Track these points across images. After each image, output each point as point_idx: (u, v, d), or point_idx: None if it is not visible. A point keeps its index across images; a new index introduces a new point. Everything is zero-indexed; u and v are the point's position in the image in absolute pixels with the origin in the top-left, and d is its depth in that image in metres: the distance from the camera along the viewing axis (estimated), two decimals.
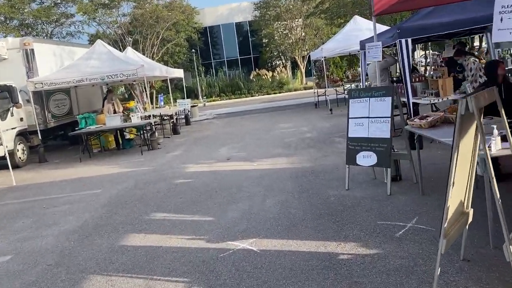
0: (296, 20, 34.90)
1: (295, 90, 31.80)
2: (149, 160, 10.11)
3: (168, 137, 13.72)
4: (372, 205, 5.04)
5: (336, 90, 16.74)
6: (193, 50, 34.21)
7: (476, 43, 17.64)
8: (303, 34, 34.86)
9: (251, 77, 34.91)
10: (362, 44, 10.24)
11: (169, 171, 8.51)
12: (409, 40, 7.59)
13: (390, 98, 5.36)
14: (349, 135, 5.80)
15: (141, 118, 12.32)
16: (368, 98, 5.59)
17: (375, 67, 9.12)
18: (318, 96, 16.89)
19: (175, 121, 14.26)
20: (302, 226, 4.70)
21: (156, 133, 13.09)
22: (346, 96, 14.88)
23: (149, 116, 13.18)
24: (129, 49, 15.81)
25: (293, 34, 34.81)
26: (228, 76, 37.11)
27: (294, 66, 37.01)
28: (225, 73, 37.63)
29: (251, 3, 36.75)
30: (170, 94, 14.87)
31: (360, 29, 14.68)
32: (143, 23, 27.04)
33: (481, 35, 10.16)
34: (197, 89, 34.21)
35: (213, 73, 36.73)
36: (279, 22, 35.14)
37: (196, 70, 34.50)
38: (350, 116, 5.82)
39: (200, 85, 34.41)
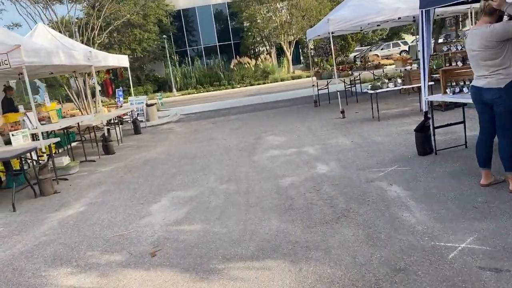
0: (281, 1, 29.31)
1: (282, 80, 26.43)
2: (9, 234, 4.74)
3: (93, 161, 8.28)
4: None
5: (344, 81, 11.42)
6: (165, 36, 28.43)
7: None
8: (288, 16, 29.32)
9: (231, 66, 29.34)
10: None
11: None
12: None
13: None
14: None
15: (31, 138, 6.91)
16: None
17: (484, 38, 3.82)
18: (318, 89, 11.54)
19: (106, 134, 8.83)
20: None
21: (68, 159, 7.65)
22: (367, 90, 9.21)
23: (50, 132, 7.79)
24: (40, 27, 10.14)
25: (278, 17, 29.22)
26: (206, 65, 31.45)
27: (280, 53, 31.52)
28: (203, 62, 31.94)
29: None
30: (95, 91, 9.37)
31: None
32: None
33: None
34: (170, 81, 28.56)
35: (189, 62, 30.89)
36: (261, 5, 29.50)
37: (169, 59, 28.77)
38: None
39: (174, 76, 28.75)
